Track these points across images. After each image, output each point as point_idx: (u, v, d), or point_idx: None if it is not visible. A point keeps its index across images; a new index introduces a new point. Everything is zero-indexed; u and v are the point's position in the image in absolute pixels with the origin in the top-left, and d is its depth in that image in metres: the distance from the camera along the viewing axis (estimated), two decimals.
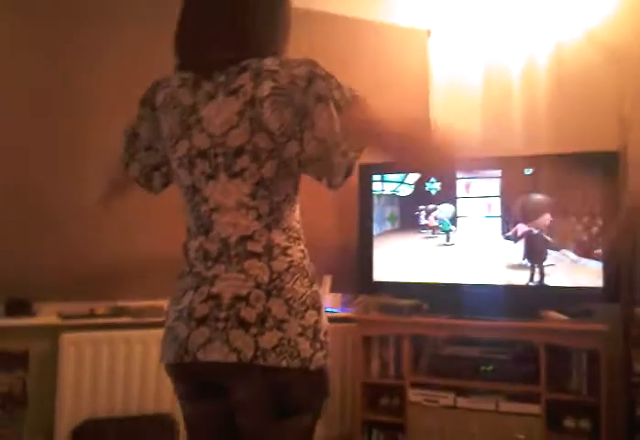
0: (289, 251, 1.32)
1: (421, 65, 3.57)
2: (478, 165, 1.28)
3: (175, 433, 2.71)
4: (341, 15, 3.35)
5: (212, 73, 1.33)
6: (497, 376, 2.74)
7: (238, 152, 1.28)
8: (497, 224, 2.90)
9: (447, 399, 2.79)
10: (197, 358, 1.28)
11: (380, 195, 3.14)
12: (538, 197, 2.82)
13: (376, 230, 3.12)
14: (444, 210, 3.01)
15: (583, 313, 2.72)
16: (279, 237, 1.31)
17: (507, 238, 2.86)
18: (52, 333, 2.69)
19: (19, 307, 2.67)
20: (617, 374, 2.60)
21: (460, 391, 2.79)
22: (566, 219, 2.75)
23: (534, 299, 2.82)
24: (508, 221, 2.87)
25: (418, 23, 3.52)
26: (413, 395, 2.85)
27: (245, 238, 1.30)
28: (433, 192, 3.04)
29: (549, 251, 2.78)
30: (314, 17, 3.20)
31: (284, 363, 1.24)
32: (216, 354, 1.26)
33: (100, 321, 2.76)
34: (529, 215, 2.83)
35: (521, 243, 2.84)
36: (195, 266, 1.35)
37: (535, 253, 2.80)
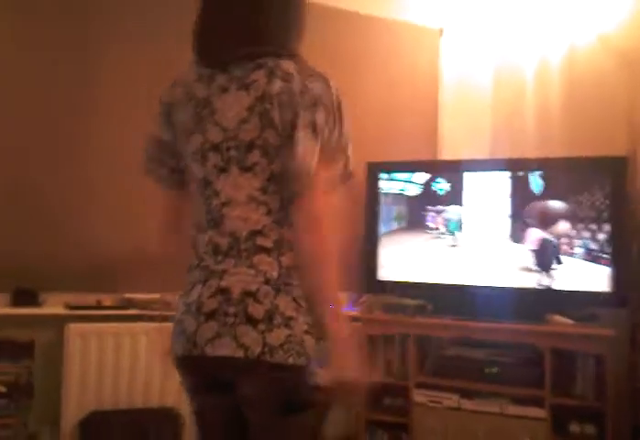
0: None
1: (432, 64, 3.57)
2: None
3: (180, 426, 2.71)
4: (354, 11, 3.36)
5: (227, 67, 1.34)
6: (502, 379, 2.73)
7: (250, 147, 1.29)
8: (505, 226, 2.90)
9: (452, 400, 2.79)
10: (205, 352, 1.28)
11: (387, 194, 3.14)
12: (556, 204, 2.81)
13: (382, 229, 3.12)
14: (452, 211, 3.00)
15: (589, 318, 2.71)
16: (289, 233, 1.31)
17: (515, 241, 2.86)
18: (58, 323, 2.69)
19: (26, 297, 2.67)
20: (623, 379, 2.59)
21: (465, 393, 2.79)
22: (574, 223, 2.75)
23: (540, 302, 2.81)
24: (517, 224, 2.86)
25: (431, 22, 3.52)
26: (418, 396, 2.84)
27: (255, 233, 1.30)
28: (441, 193, 3.04)
29: (560, 257, 2.77)
30: (327, 13, 3.21)
31: (291, 360, 1.24)
32: (225, 349, 1.26)
33: (106, 312, 2.77)
34: (546, 222, 2.81)
35: (530, 247, 2.83)
36: (204, 259, 1.35)
37: (546, 259, 2.79)
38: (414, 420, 2.84)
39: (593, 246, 2.70)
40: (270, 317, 1.25)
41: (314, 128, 1.26)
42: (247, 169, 1.30)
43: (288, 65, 1.30)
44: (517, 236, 2.87)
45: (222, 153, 1.32)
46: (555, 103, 3.18)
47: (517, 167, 2.90)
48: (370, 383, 1.33)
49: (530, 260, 2.83)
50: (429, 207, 3.05)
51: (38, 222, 2.76)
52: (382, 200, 3.13)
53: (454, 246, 3.00)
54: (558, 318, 2.76)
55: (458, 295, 2.92)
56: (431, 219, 3.05)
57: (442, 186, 3.03)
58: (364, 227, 3.15)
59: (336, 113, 1.29)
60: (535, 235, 2.83)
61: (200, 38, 1.39)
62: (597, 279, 2.68)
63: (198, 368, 1.35)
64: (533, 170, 2.86)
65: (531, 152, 3.08)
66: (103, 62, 2.89)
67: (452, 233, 3.00)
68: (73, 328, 2.68)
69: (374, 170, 3.11)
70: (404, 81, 3.49)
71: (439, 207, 3.03)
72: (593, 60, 3.08)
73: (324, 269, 1.26)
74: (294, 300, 1.27)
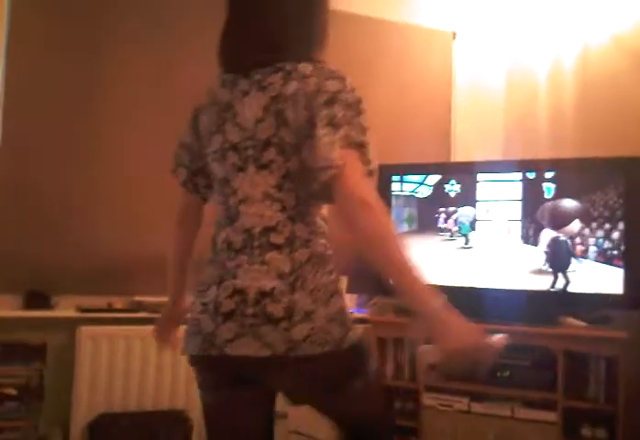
0: (310, 243, 1.34)
1: (444, 66, 3.56)
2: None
3: (189, 428, 2.72)
4: (365, 15, 3.35)
5: (249, 73, 1.38)
6: (513, 382, 2.70)
7: (266, 145, 1.33)
8: (517, 227, 2.88)
9: (462, 403, 2.77)
10: (225, 352, 1.30)
11: (398, 196, 3.12)
12: (569, 203, 2.78)
13: None
14: (464, 213, 2.98)
15: (602, 320, 2.68)
16: (301, 230, 1.34)
17: (528, 243, 2.83)
18: (70, 326, 2.71)
19: (38, 300, 2.70)
20: (635, 382, 2.56)
21: (475, 396, 2.77)
22: (588, 224, 2.72)
23: (552, 304, 2.78)
24: (529, 225, 2.84)
25: (443, 25, 3.51)
26: (428, 399, 2.83)
27: (268, 229, 1.33)
28: (452, 195, 3.02)
29: (572, 258, 2.74)
30: (339, 17, 3.19)
31: (318, 350, 1.27)
32: (246, 349, 1.28)
33: (117, 315, 2.79)
34: (559, 222, 2.79)
35: (542, 248, 2.81)
36: (219, 255, 1.38)
37: (559, 260, 2.77)
38: (424, 423, 2.82)
39: (607, 246, 2.67)
40: (290, 315, 1.27)
41: (333, 124, 1.27)
42: (263, 166, 1.34)
43: (305, 68, 1.34)
44: (530, 237, 2.85)
45: (240, 152, 1.36)
46: (568, 103, 3.16)
47: (530, 168, 2.88)
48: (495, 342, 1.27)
49: (542, 262, 2.80)
50: (441, 209, 3.03)
51: (50, 225, 2.78)
52: (394, 202, 3.12)
53: (466, 248, 2.98)
54: (571, 320, 2.73)
55: (470, 297, 2.90)
56: (443, 221, 3.03)
57: (454, 188, 3.01)
58: None
59: (354, 109, 1.30)
60: (548, 235, 2.80)
61: (223, 45, 1.45)
62: (610, 281, 2.65)
63: (218, 366, 1.37)
64: (546, 171, 2.83)
65: (544, 153, 3.05)
66: (105, 63, 2.91)
67: (464, 235, 2.98)
68: (85, 331, 2.70)
69: (386, 172, 3.09)
70: (417, 83, 3.49)
71: (451, 209, 3.01)
72: (607, 60, 3.05)
73: (386, 244, 1.24)
74: (311, 293, 1.30)
